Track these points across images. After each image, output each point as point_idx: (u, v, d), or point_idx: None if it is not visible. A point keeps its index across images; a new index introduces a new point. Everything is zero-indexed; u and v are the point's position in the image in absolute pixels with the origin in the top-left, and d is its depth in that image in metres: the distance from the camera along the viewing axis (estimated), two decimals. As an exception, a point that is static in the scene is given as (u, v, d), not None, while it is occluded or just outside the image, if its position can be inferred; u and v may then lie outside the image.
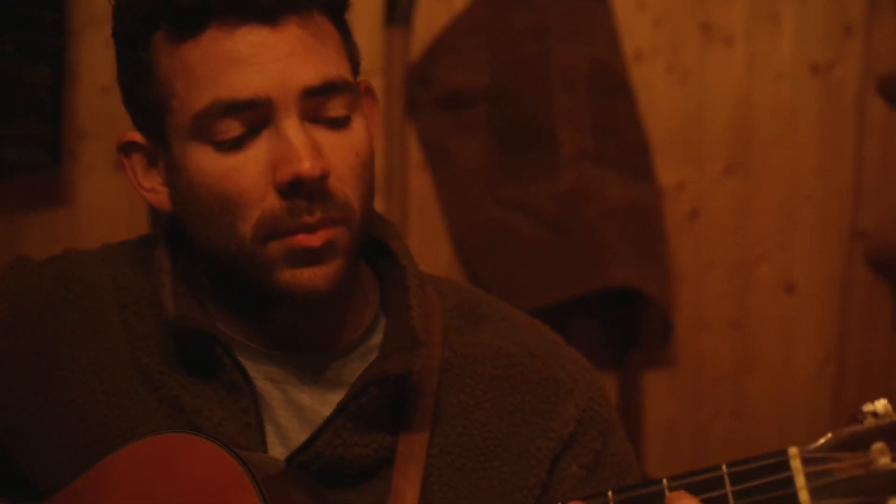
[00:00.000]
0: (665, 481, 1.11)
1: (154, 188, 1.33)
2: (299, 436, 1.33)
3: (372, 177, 1.31)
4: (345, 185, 1.27)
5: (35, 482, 1.35)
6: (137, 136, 1.33)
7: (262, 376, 1.34)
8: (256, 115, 1.24)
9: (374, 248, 1.41)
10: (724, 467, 1.10)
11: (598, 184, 2.98)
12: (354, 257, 1.32)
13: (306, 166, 1.23)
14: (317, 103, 1.25)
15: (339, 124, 1.27)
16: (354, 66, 1.33)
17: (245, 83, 1.23)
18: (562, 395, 1.38)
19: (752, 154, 3.24)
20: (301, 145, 1.23)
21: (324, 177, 1.24)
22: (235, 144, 1.25)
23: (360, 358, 1.36)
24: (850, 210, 3.23)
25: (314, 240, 1.26)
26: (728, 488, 1.09)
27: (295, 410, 1.34)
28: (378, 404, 1.31)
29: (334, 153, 1.26)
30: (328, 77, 1.25)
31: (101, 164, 3.11)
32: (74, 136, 3.09)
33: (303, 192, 1.24)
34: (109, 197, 3.02)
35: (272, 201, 1.25)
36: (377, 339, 1.37)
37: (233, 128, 1.24)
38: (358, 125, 1.29)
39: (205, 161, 1.26)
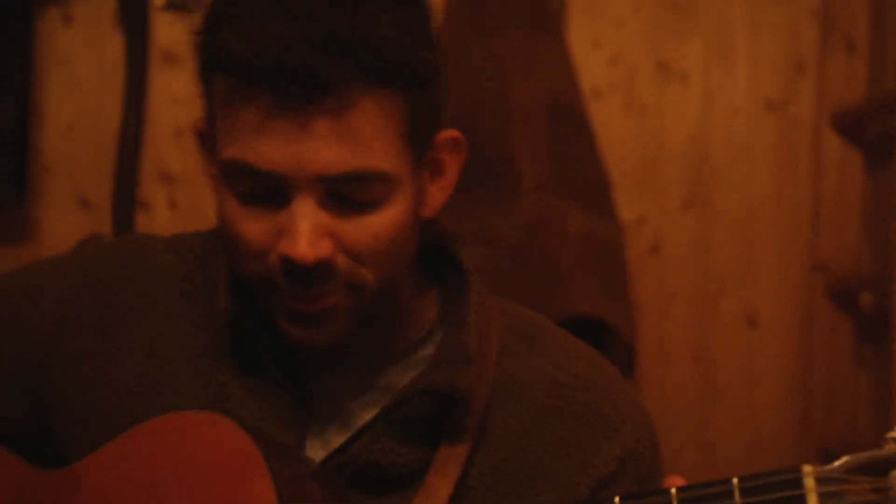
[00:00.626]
0: (674, 491, 1.09)
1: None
2: (339, 440, 1.31)
3: (401, 248, 1.27)
4: (358, 262, 1.24)
5: (65, 450, 1.35)
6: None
7: (309, 378, 1.34)
8: (272, 184, 1.22)
9: (441, 257, 1.39)
10: (734, 480, 1.07)
11: (559, 215, 3.01)
12: (365, 315, 1.28)
13: (300, 251, 1.20)
14: (340, 186, 1.22)
15: (363, 206, 1.23)
16: (418, 138, 1.26)
17: (264, 156, 1.20)
18: (608, 432, 1.34)
19: (711, 189, 3.28)
20: (302, 229, 1.21)
21: (320, 263, 1.22)
22: (250, 199, 1.23)
23: (411, 367, 1.34)
24: (809, 243, 3.27)
25: (312, 306, 1.25)
26: (737, 500, 1.06)
27: (339, 415, 1.33)
28: (421, 415, 1.30)
29: (350, 234, 1.23)
30: (353, 168, 1.21)
31: (65, 201, 3.14)
32: (39, 173, 3.12)
33: (300, 269, 1.22)
34: (74, 234, 3.03)
35: (275, 260, 1.23)
36: (430, 350, 1.35)
37: (250, 186, 1.23)
38: (389, 209, 1.24)
39: (226, 198, 1.25)
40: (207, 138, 1.28)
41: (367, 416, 1.32)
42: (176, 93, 3.21)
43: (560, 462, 1.32)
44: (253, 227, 1.23)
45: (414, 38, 1.23)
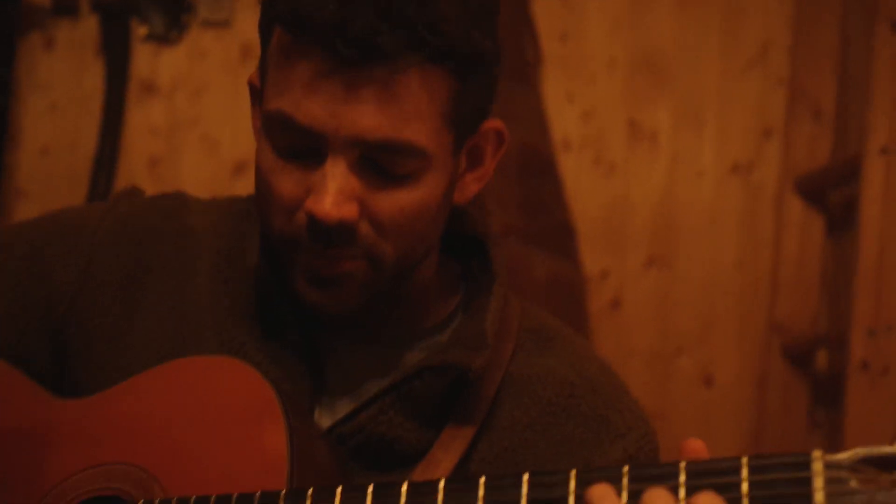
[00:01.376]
0: (683, 464, 1.09)
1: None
2: (346, 412, 1.33)
3: (425, 228, 1.28)
4: (379, 234, 1.25)
5: (80, 390, 1.36)
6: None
7: (326, 348, 1.35)
8: (310, 141, 1.23)
9: (474, 247, 1.39)
10: (743, 458, 1.08)
11: (524, 260, 3.05)
12: (379, 291, 1.29)
13: (325, 209, 1.22)
14: (375, 154, 1.23)
15: (395, 179, 1.24)
16: (463, 122, 1.27)
17: (307, 111, 1.22)
18: (612, 437, 1.35)
19: (674, 247, 3.34)
20: (331, 188, 1.22)
21: (343, 224, 1.23)
22: (287, 153, 1.25)
23: (425, 349, 1.35)
24: (768, 304, 3.32)
25: (330, 268, 1.26)
26: (745, 475, 1.06)
27: (350, 389, 1.34)
28: (430, 392, 1.31)
29: (378, 204, 1.24)
30: (390, 137, 1.22)
31: (35, 221, 3.15)
32: (12, 196, 3.14)
33: (322, 228, 1.23)
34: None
35: (302, 218, 1.24)
36: (446, 337, 1.36)
37: (289, 140, 1.24)
38: (420, 186, 1.25)
39: (265, 150, 1.27)
40: (258, 92, 1.30)
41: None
42: (153, 123, 3.25)
43: (561, 458, 1.33)
44: (286, 180, 1.24)
45: (474, 23, 1.23)
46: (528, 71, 3.20)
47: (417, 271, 1.32)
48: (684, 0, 3.39)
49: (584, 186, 3.29)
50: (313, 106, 1.21)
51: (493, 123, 1.31)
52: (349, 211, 1.22)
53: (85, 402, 1.34)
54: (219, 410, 1.27)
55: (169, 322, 1.36)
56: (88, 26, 3.26)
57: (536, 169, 3.13)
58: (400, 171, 1.24)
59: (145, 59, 3.27)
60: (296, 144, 1.24)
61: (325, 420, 1.32)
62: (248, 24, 3.14)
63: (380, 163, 1.23)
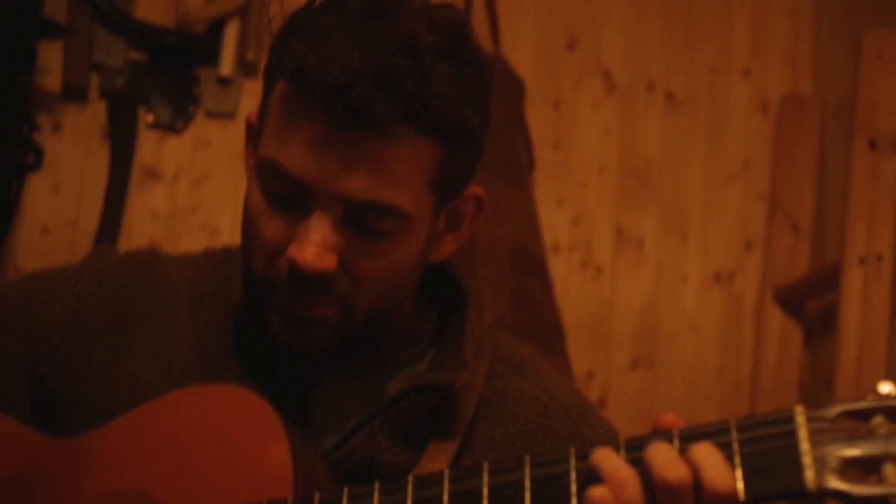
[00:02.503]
0: (676, 431, 1.15)
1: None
2: (333, 442, 1.37)
3: (400, 283, 1.35)
4: (355, 286, 1.31)
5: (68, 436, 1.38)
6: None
7: (310, 383, 1.40)
8: (300, 192, 1.29)
9: (444, 280, 1.45)
10: (731, 421, 1.16)
11: (516, 353, 3.11)
12: (350, 334, 1.34)
13: (306, 259, 1.28)
14: (359, 212, 1.29)
15: (375, 236, 1.30)
16: (445, 186, 1.33)
17: (301, 166, 1.28)
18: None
19: (658, 351, 3.42)
20: (314, 240, 1.28)
21: (322, 275, 1.29)
22: (276, 199, 1.31)
23: (404, 378, 1.41)
24: (748, 409, 3.39)
25: (304, 311, 1.32)
26: (734, 435, 1.14)
27: (335, 419, 1.39)
28: (415, 413, 1.36)
29: (356, 258, 1.30)
30: (374, 198, 1.28)
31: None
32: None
33: (302, 276, 1.29)
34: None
35: (283, 263, 1.30)
36: (424, 366, 1.42)
37: (280, 187, 1.30)
38: (398, 245, 1.32)
39: (255, 193, 1.33)
40: (255, 132, 1.37)
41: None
42: (154, 208, 3.30)
43: None
44: (272, 225, 1.31)
45: (466, 98, 1.30)
46: (523, 175, 3.31)
47: (390, 316, 1.38)
48: (671, 113, 3.53)
49: (571, 288, 3.38)
50: (308, 162, 1.27)
51: (474, 190, 1.38)
52: (329, 262, 1.28)
53: (80, 439, 1.37)
54: (220, 431, 1.31)
55: (155, 366, 1.40)
56: (96, 112, 3.32)
57: (528, 267, 3.22)
58: (380, 228, 1.30)
59: (150, 146, 3.33)
60: (285, 193, 1.30)
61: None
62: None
63: (362, 220, 1.29)
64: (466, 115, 1.30)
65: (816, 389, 3.31)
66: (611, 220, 3.45)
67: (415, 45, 1.26)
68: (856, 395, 2.81)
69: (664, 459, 1.12)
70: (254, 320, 1.36)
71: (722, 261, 3.48)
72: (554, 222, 3.39)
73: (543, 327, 3.20)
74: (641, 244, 3.45)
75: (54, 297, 1.44)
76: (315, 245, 1.28)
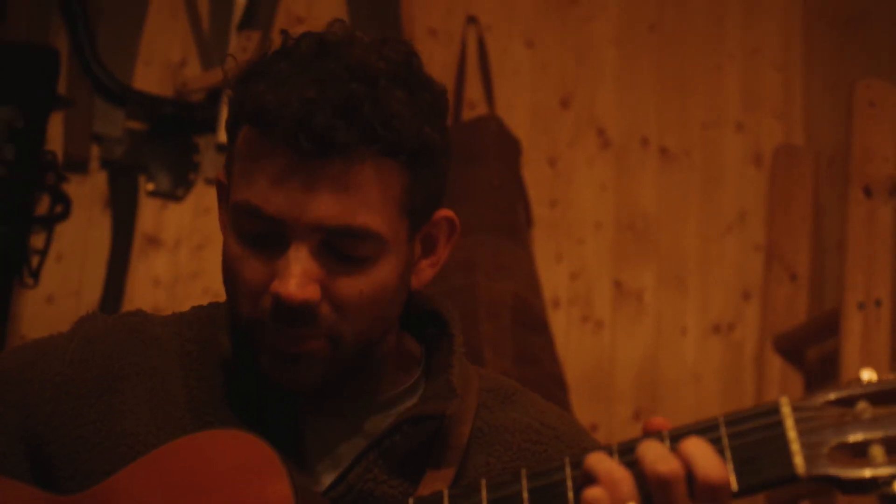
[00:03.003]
0: (666, 431, 1.19)
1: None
2: (330, 480, 1.39)
3: (383, 309, 1.36)
4: (339, 314, 1.33)
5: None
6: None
7: (304, 425, 1.41)
8: (275, 229, 1.31)
9: (428, 318, 1.47)
10: (719, 417, 1.19)
11: (518, 408, 3.12)
12: (341, 367, 1.36)
13: (289, 290, 1.30)
14: (335, 240, 1.31)
15: (354, 262, 1.32)
16: (416, 210, 1.36)
17: (272, 201, 1.30)
18: None
19: (659, 402, 3.43)
20: (294, 271, 1.30)
21: (306, 305, 1.31)
22: (252, 241, 1.33)
23: (396, 415, 1.41)
24: (751, 458, 3.39)
25: (292, 347, 1.33)
26: (723, 432, 1.17)
27: (329, 459, 1.41)
28: (409, 445, 1.37)
29: (338, 286, 1.32)
30: (347, 223, 1.30)
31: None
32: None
33: (286, 308, 1.31)
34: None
35: (267, 301, 1.32)
36: (414, 401, 1.43)
37: (255, 228, 1.32)
38: (377, 270, 1.34)
39: (230, 241, 1.36)
40: (225, 188, 1.40)
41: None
42: (156, 275, 3.34)
43: None
44: (252, 267, 1.33)
45: (424, 119, 1.33)
46: (521, 232, 3.35)
47: (377, 348, 1.40)
48: (666, 168, 3.57)
49: (572, 342, 3.41)
50: (277, 196, 1.30)
51: (445, 213, 1.40)
52: (312, 292, 1.30)
53: (85, 494, 1.38)
54: (222, 474, 1.32)
55: (151, 422, 1.41)
56: (97, 182, 3.38)
57: (529, 323, 3.24)
58: (358, 254, 1.32)
59: (151, 214, 3.37)
60: (261, 232, 1.32)
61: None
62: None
63: (339, 248, 1.31)
64: (427, 132, 1.33)
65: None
66: (609, 275, 3.48)
67: (368, 72, 1.30)
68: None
69: (655, 455, 1.16)
70: (244, 368, 1.39)
71: (721, 311, 3.50)
72: (553, 278, 3.42)
73: (546, 380, 3.21)
74: (640, 297, 3.48)
75: (46, 366, 1.46)
76: (296, 276, 1.30)
